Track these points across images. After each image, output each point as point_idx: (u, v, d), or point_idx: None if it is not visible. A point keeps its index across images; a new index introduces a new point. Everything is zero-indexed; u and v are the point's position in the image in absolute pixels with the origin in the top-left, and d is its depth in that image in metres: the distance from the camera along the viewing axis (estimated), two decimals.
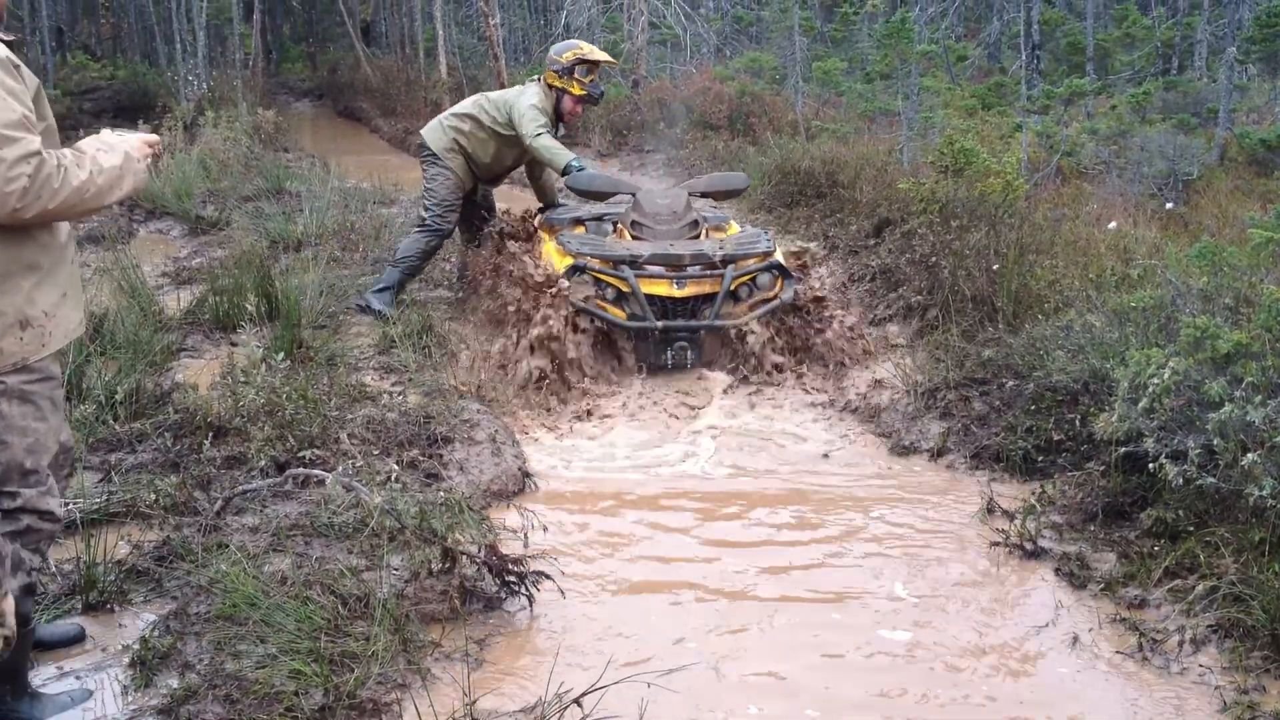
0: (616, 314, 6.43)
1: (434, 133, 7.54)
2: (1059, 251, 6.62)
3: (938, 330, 6.42)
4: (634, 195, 7.13)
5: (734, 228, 7.28)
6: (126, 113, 19.09)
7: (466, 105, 7.59)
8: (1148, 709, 3.39)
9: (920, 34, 13.66)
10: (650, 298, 6.41)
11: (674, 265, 6.49)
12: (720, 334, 6.59)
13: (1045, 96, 10.42)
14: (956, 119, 10.99)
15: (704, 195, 7.54)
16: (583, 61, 7.29)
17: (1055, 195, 8.79)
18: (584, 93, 7.37)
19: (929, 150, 8.88)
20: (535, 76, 7.57)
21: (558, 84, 7.34)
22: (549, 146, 7.19)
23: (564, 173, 7.14)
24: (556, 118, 7.40)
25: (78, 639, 3.53)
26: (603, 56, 7.52)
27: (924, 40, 14.10)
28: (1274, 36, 10.29)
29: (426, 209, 7.52)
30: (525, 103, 7.27)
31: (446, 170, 7.45)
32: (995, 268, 6.42)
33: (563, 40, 7.75)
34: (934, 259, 6.68)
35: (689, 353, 6.49)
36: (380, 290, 7.33)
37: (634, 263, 6.45)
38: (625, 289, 6.41)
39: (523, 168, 7.94)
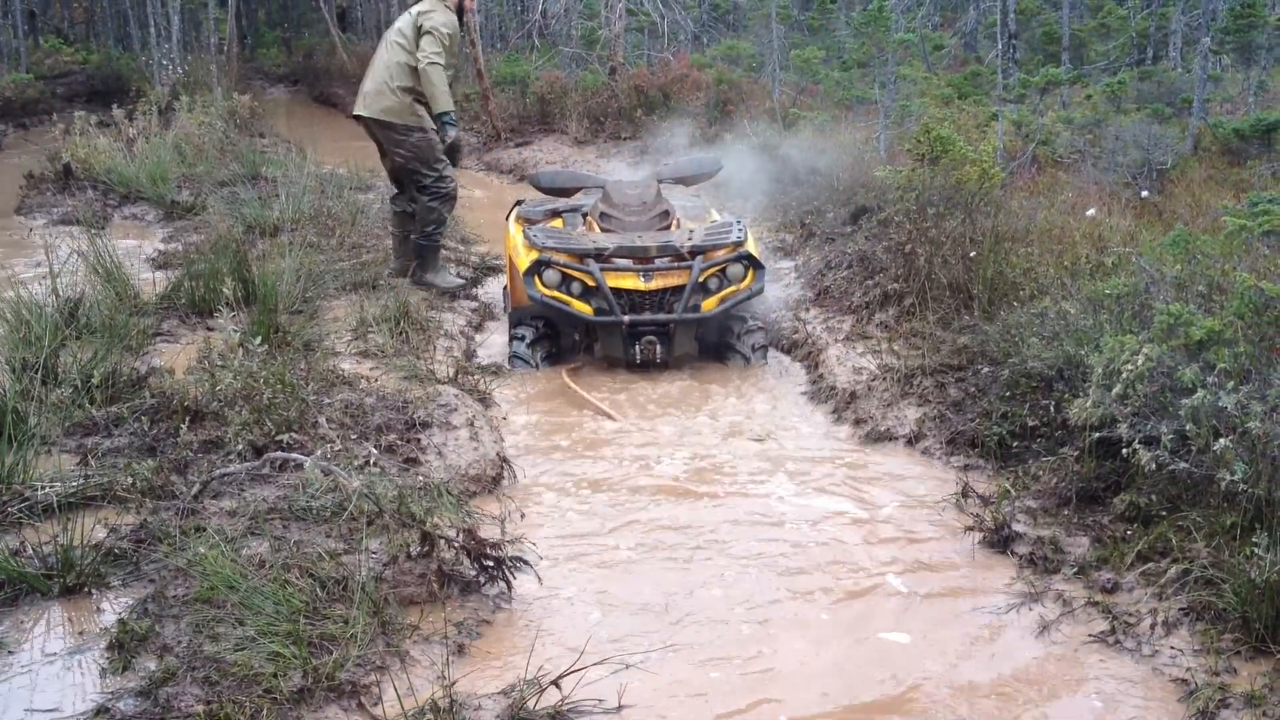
0: (583, 309, 6.37)
1: (388, 100, 7.35)
2: (1034, 239, 6.66)
3: (914, 317, 6.44)
4: (603, 186, 7.07)
5: (714, 217, 7.25)
6: (100, 97, 18.97)
7: (388, 65, 7.38)
8: (1118, 691, 3.43)
9: (897, 23, 13.67)
10: (617, 291, 6.34)
11: (641, 258, 6.43)
12: (691, 327, 6.55)
13: (1021, 86, 10.47)
14: (933, 108, 11.02)
15: (675, 181, 7.48)
16: None
17: (1031, 184, 8.84)
18: None
19: (906, 138, 8.90)
20: None
21: None
22: (437, 82, 7.20)
23: (438, 118, 7.17)
24: (459, 17, 7.39)
25: None
26: None
27: (901, 29, 14.11)
28: (1248, 27, 10.34)
29: (425, 174, 7.43)
30: (433, 25, 7.20)
31: (419, 132, 7.37)
32: (971, 255, 6.45)
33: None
34: (910, 247, 6.71)
35: (658, 347, 6.42)
36: (428, 269, 7.46)
37: (600, 256, 6.39)
38: (591, 283, 6.35)
39: None
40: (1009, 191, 7.87)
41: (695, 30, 19.88)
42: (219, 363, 5.12)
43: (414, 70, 7.28)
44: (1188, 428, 3.99)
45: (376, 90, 7.38)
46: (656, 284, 6.39)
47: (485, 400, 5.87)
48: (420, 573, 3.84)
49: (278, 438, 4.60)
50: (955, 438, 5.23)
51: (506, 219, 7.52)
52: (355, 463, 4.41)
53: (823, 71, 13.74)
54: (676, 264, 6.41)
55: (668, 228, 6.82)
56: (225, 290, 5.87)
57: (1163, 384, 4.23)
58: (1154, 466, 4.03)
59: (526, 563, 4.00)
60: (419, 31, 7.23)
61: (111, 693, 3.16)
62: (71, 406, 4.93)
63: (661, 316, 6.38)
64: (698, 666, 3.62)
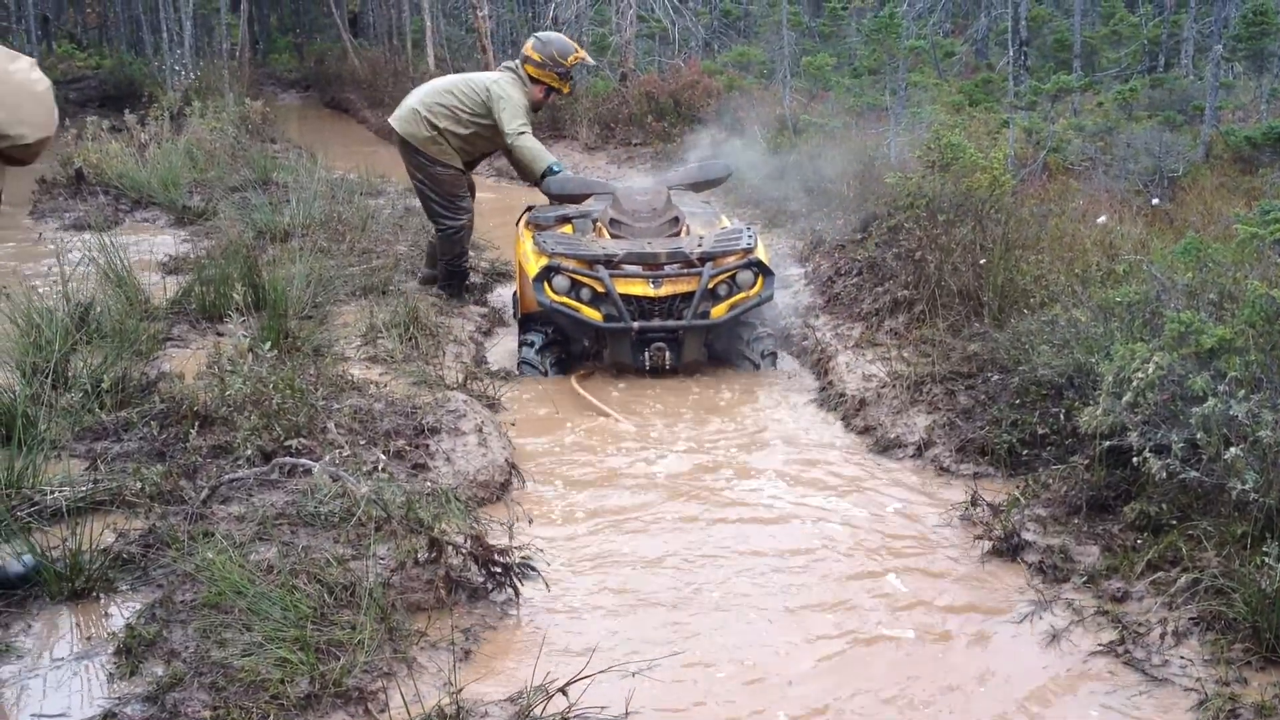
0: (592, 315, 6.37)
1: (410, 124, 7.48)
2: (1045, 247, 6.64)
3: (924, 324, 6.43)
4: (613, 193, 7.08)
5: (725, 223, 7.25)
6: (112, 102, 19.03)
7: (437, 93, 7.53)
8: (1128, 701, 3.42)
9: (908, 30, 13.68)
10: (627, 298, 6.35)
11: (650, 264, 6.44)
12: (700, 334, 6.56)
13: (1032, 93, 10.44)
14: (944, 114, 11.00)
15: (685, 187, 7.50)
16: (582, 63, 7.47)
17: (1041, 191, 8.80)
18: (569, 90, 7.55)
19: (916, 145, 8.89)
20: (512, 64, 7.55)
21: (555, 84, 7.41)
22: (531, 148, 7.26)
23: (543, 175, 7.16)
24: (532, 106, 7.47)
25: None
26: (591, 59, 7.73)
27: (912, 36, 14.11)
28: (1260, 35, 10.31)
29: (439, 208, 7.55)
30: (504, 95, 7.29)
31: (441, 166, 7.45)
32: (981, 262, 6.43)
33: (547, 32, 7.87)
34: (920, 253, 6.70)
35: (667, 354, 6.43)
36: (452, 294, 7.72)
37: (609, 262, 6.40)
38: (601, 290, 6.37)
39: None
40: (1020, 199, 7.85)
41: (706, 37, 19.90)
42: (228, 368, 5.14)
43: (454, 119, 7.41)
44: (1198, 436, 3.97)
45: (412, 113, 7.51)
46: (666, 290, 6.40)
47: (494, 406, 5.88)
48: (428, 579, 3.84)
49: (286, 443, 4.60)
50: (965, 445, 5.21)
51: (517, 225, 7.53)
52: (364, 468, 4.42)
53: (834, 78, 13.73)
54: (686, 270, 6.42)
55: (677, 234, 6.82)
56: (235, 295, 5.89)
57: (1173, 392, 4.21)
58: (1164, 475, 4.01)
59: (534, 569, 4.00)
60: (488, 98, 7.34)
61: (119, 698, 3.17)
62: (81, 411, 4.94)
63: (671, 323, 6.38)
64: (704, 670, 3.62)
